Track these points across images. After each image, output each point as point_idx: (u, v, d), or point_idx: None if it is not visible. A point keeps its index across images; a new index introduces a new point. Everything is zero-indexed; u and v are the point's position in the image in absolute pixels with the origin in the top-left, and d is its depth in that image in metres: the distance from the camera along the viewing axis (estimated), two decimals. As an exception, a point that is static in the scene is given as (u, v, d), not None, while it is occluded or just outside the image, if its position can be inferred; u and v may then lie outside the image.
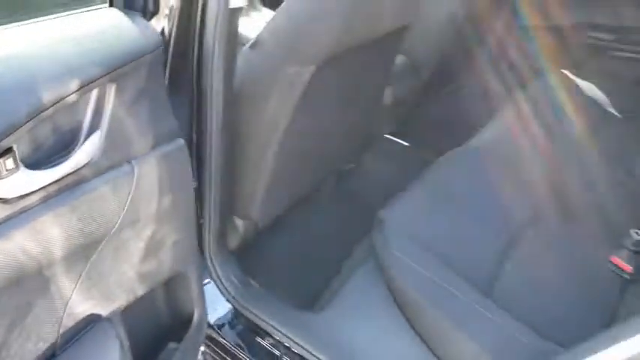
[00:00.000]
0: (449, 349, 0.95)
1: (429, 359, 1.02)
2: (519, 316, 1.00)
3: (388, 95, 1.59)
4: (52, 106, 0.59)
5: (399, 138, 1.89)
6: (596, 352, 0.69)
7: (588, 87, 1.76)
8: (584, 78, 1.79)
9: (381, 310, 1.10)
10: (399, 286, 1.03)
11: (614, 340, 0.67)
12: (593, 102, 1.72)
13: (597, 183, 1.38)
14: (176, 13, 0.83)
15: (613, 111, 1.71)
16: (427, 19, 1.60)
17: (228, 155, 1.08)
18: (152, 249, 0.85)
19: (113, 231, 0.73)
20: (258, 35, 1.05)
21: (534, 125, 1.54)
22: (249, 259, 1.35)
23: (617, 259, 1.16)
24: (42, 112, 0.58)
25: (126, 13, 0.76)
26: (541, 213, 1.25)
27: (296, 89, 1.06)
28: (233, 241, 1.34)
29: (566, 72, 1.82)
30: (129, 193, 0.73)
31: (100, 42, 0.68)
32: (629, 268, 1.14)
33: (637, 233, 1.22)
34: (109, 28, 0.71)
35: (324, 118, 1.26)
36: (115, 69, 0.67)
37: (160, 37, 0.77)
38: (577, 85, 1.77)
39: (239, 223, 1.33)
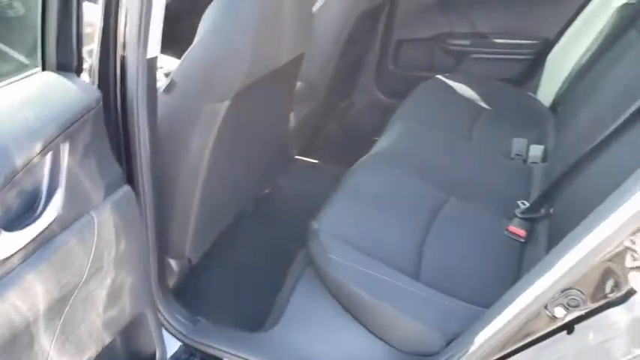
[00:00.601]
0: (395, 331, 1.08)
1: (378, 347, 1.15)
2: (446, 290, 1.16)
3: (292, 119, 1.72)
4: (22, 169, 0.63)
5: (307, 157, 2.02)
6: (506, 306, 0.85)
7: (460, 87, 2.03)
8: (455, 80, 2.05)
9: (327, 315, 1.21)
10: (341, 287, 1.15)
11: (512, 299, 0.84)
12: (467, 100, 1.99)
13: (483, 167, 1.62)
14: (96, 67, 0.87)
15: (484, 105, 1.98)
16: (317, 44, 1.76)
17: (158, 198, 1.12)
18: (114, 295, 0.88)
19: (82, 281, 0.76)
20: (170, 80, 1.13)
21: (423, 126, 1.75)
22: (190, 297, 1.39)
23: (512, 227, 1.37)
24: (15, 175, 0.62)
25: (61, 75, 0.80)
26: (444, 199, 1.44)
27: (214, 125, 1.15)
28: (171, 282, 1.37)
29: (439, 77, 2.07)
30: (93, 242, 0.77)
31: (48, 104, 0.72)
32: (523, 233, 1.36)
33: (523, 203, 1.45)
34: (52, 90, 0.75)
35: (240, 148, 1.35)
36: (68, 127, 0.71)
37: (99, 92, 0.82)
38: (451, 87, 2.03)
39: (173, 263, 1.36)
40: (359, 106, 2.44)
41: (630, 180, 0.75)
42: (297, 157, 2.02)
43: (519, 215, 1.41)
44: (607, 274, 0.72)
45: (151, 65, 0.90)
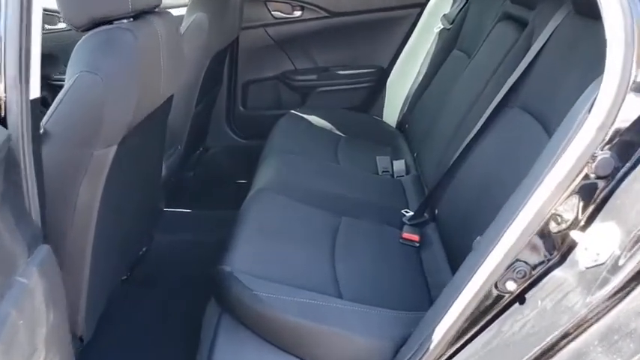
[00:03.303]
0: (344, 352, 1.05)
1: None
2: (371, 301, 1.17)
3: (162, 168, 1.60)
4: None
5: (177, 208, 1.89)
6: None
7: (314, 119, 2.11)
8: (308, 113, 2.13)
9: (256, 354, 1.12)
10: (274, 322, 1.08)
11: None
12: (324, 130, 2.08)
13: (360, 185, 1.69)
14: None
15: (340, 132, 2.09)
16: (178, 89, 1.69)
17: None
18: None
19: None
20: (43, 129, 0.97)
21: (295, 156, 1.77)
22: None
23: (406, 234, 1.45)
24: None
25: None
26: (337, 220, 1.46)
27: (103, 173, 1.02)
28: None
29: (295, 112, 2.13)
30: (31, 314, 0.60)
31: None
32: (416, 237, 1.44)
33: (406, 212, 1.55)
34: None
35: (127, 199, 1.21)
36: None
37: (7, 131, 0.67)
38: (307, 120, 2.10)
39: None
40: (213, 151, 2.38)
41: (546, 153, 0.85)
42: (166, 209, 1.88)
43: (408, 223, 1.50)
44: (542, 240, 0.80)
45: (34, 107, 0.77)
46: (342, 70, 2.26)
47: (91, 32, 1.00)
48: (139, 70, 1.00)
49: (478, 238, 1.02)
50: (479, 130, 1.38)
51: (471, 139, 1.39)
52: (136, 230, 1.43)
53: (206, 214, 1.83)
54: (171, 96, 1.36)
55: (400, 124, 2.16)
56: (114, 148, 1.01)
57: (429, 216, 1.51)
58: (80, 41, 1.00)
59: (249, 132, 2.37)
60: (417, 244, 1.44)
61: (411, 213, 1.53)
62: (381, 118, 2.23)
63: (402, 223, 1.50)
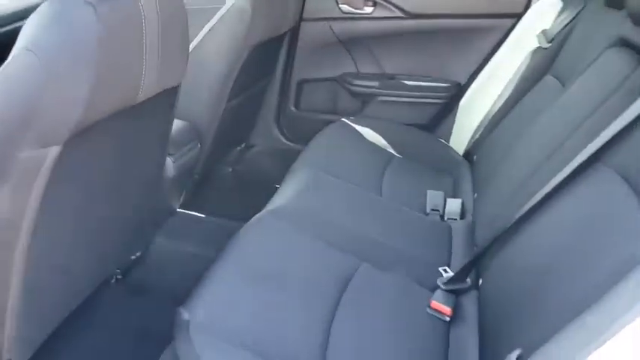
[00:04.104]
0: None
1: None
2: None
3: (171, 166, 1.39)
4: None
5: (192, 210, 1.69)
6: None
7: (367, 132, 1.82)
8: (362, 124, 1.85)
9: None
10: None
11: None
12: (375, 146, 1.78)
13: (397, 226, 1.38)
14: None
15: (394, 152, 1.78)
16: (201, 81, 1.47)
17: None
18: None
19: None
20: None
21: (328, 176, 1.50)
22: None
23: (435, 303, 1.13)
24: None
25: None
26: (354, 265, 1.18)
27: (35, 179, 0.80)
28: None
29: (345, 120, 1.86)
30: None
31: None
32: (447, 310, 1.12)
33: (445, 270, 1.23)
34: None
35: (92, 205, 1.01)
36: None
37: None
38: (358, 132, 1.82)
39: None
40: (257, 150, 2.16)
41: None
42: (179, 210, 1.68)
43: (442, 286, 1.18)
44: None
45: None
46: (411, 81, 1.94)
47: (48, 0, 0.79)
48: (94, 54, 0.77)
49: (517, 353, 0.72)
50: (556, 186, 1.02)
51: (544, 196, 1.04)
52: (120, 236, 1.23)
53: (221, 224, 1.61)
54: (175, 87, 1.14)
55: (468, 153, 1.81)
56: (54, 150, 0.80)
57: (472, 282, 1.18)
58: (35, 11, 0.79)
59: (298, 135, 2.12)
60: (448, 319, 1.12)
61: (451, 274, 1.21)
62: (448, 142, 1.89)
63: (436, 286, 1.19)
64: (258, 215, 1.25)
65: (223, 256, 1.09)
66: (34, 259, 0.86)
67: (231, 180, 2.09)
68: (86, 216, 1.00)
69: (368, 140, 1.80)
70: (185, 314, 0.93)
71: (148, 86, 0.96)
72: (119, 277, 1.48)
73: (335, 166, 1.56)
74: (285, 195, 1.38)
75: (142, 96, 0.96)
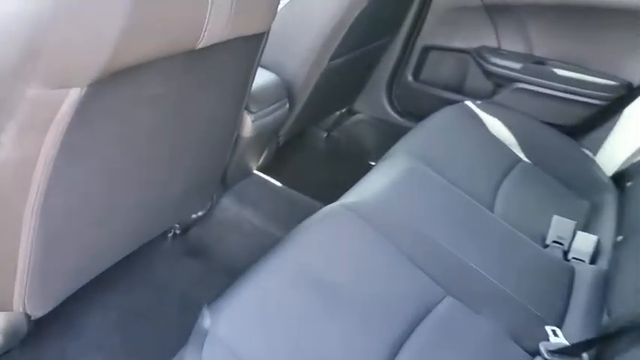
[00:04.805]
0: None
1: None
2: None
3: (248, 125, 1.19)
4: None
5: (270, 175, 1.50)
6: None
7: (493, 123, 1.49)
8: (489, 112, 1.51)
9: None
10: None
11: None
12: (499, 143, 1.45)
13: (502, 255, 1.08)
14: None
15: (522, 155, 1.44)
16: (299, 34, 1.24)
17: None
18: None
19: None
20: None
21: (431, 172, 1.22)
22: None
23: (532, 379, 0.84)
24: None
25: None
26: (436, 296, 0.91)
27: (53, 117, 0.64)
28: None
29: (469, 103, 1.53)
30: None
31: None
32: (546, 392, 0.82)
33: (554, 332, 0.92)
34: None
35: (132, 157, 0.84)
36: None
37: None
38: (482, 121, 1.49)
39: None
40: (360, 118, 1.91)
41: None
42: (257, 172, 1.50)
43: (546, 355, 0.88)
44: None
45: None
46: (565, 71, 1.53)
47: None
48: None
49: None
50: None
51: None
52: (170, 193, 1.07)
53: (295, 200, 1.41)
54: (258, 35, 0.91)
55: (620, 177, 1.40)
56: (74, 92, 0.63)
57: (589, 362, 0.87)
58: None
59: (410, 109, 1.83)
60: (544, 404, 0.83)
61: (562, 340, 0.90)
62: (594, 156, 1.49)
63: (538, 350, 0.89)
64: (329, 207, 1.01)
65: (273, 253, 0.87)
66: (51, 206, 0.72)
67: (322, 146, 1.87)
68: (125, 168, 0.83)
69: (492, 134, 1.46)
70: (207, 320, 0.74)
71: (213, 31, 0.75)
72: (177, 232, 1.35)
73: (442, 160, 1.27)
74: (370, 185, 1.12)
75: (204, 41, 0.75)
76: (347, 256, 0.91)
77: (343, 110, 1.84)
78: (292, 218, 1.32)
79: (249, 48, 0.93)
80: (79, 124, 0.67)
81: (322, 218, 0.97)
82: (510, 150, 1.45)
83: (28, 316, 0.92)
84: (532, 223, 1.19)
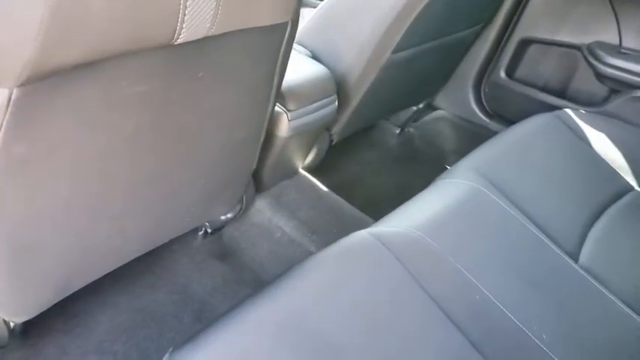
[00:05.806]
0: None
1: None
2: None
3: (285, 125, 1.03)
4: None
5: (319, 178, 1.33)
6: None
7: (599, 139, 1.19)
8: (595, 125, 1.22)
9: None
10: None
11: None
12: (604, 164, 1.15)
13: (579, 327, 0.82)
14: None
15: (633, 182, 1.14)
16: (351, 17, 1.04)
17: None
18: None
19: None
20: None
21: (502, 199, 0.97)
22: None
23: None
24: None
25: None
26: (473, 354, 0.70)
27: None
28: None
29: (569, 111, 1.25)
30: None
31: None
32: None
33: None
34: None
35: (118, 162, 0.71)
36: None
37: None
38: (585, 135, 1.20)
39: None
40: (441, 115, 1.67)
41: None
42: (302, 171, 1.34)
43: None
44: None
45: None
46: None
47: None
48: None
49: None
50: None
51: None
52: (179, 200, 0.94)
53: (337, 209, 1.21)
54: (281, 25, 0.74)
55: None
56: (3, 94, 0.51)
57: None
58: None
59: (500, 111, 1.56)
60: None
61: None
62: None
63: None
64: (353, 235, 0.82)
65: (262, 293, 0.71)
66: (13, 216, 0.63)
67: (393, 143, 1.66)
68: (103, 176, 0.71)
69: (595, 152, 1.17)
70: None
71: (194, 24, 0.58)
72: (209, 230, 1.24)
73: (518, 184, 1.02)
74: (415, 209, 0.91)
75: (185, 36, 0.59)
76: (357, 306, 0.72)
77: (420, 105, 1.61)
78: (328, 232, 1.15)
79: (268, 41, 0.76)
80: (20, 129, 0.55)
81: (341, 251, 0.78)
82: (618, 175, 1.15)
83: (6, 323, 0.85)
84: (634, 283, 0.91)
